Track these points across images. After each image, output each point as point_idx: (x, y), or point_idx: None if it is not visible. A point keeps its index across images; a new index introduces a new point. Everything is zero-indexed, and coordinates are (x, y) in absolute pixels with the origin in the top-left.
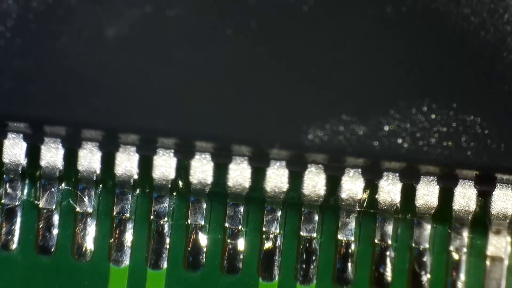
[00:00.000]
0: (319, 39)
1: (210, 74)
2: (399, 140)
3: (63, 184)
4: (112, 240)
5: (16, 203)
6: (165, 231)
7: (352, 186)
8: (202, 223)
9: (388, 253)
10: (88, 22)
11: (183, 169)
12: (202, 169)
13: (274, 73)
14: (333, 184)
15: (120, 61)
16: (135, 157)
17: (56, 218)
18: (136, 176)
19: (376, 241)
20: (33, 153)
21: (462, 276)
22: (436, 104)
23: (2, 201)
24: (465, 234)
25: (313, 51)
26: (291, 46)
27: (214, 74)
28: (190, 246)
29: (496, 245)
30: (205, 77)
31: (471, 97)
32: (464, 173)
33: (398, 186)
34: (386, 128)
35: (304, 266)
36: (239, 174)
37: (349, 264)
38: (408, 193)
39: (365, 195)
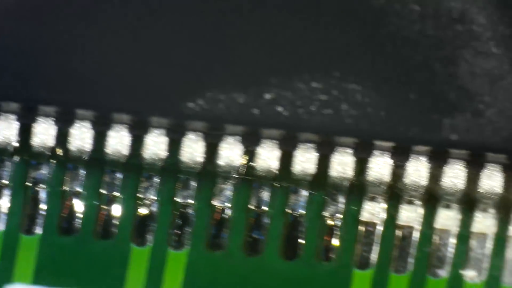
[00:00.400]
0: (197, 8)
1: (91, 44)
2: (279, 108)
3: None
4: None
5: None
6: (40, 197)
7: (230, 153)
8: (79, 189)
9: (263, 219)
10: None
11: (62, 137)
12: (81, 137)
13: (153, 41)
14: (212, 151)
15: None
16: (15, 125)
17: None
18: (15, 144)
19: (251, 207)
20: None
21: (336, 241)
22: (317, 72)
23: None
24: (341, 200)
25: (193, 21)
26: (170, 13)
27: (95, 43)
28: (65, 212)
29: (371, 211)
30: (85, 47)
31: (352, 66)
32: (342, 141)
33: (276, 153)
34: (266, 96)
35: (177, 232)
36: (119, 141)
37: (223, 230)
38: (286, 160)
39: (243, 162)
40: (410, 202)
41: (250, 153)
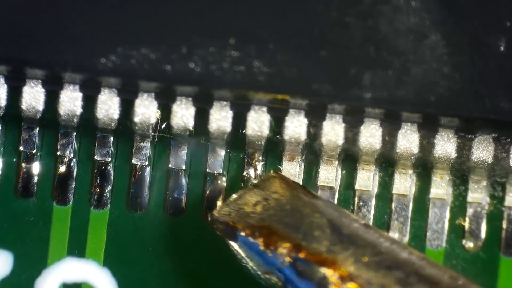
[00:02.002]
0: None
1: None
2: (191, 65)
3: None
4: None
5: None
6: None
7: (146, 110)
8: None
9: (181, 177)
10: None
11: None
12: None
13: None
14: (127, 108)
15: None
16: None
17: None
18: None
19: (170, 166)
20: None
21: None
22: (230, 29)
23: None
24: (259, 159)
25: None
26: None
27: None
28: None
29: (290, 171)
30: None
31: (265, 24)
32: (257, 98)
33: (192, 110)
34: (179, 52)
35: (98, 190)
36: (33, 97)
37: (143, 189)
38: (202, 118)
39: (159, 120)
40: (329, 163)
41: (166, 110)
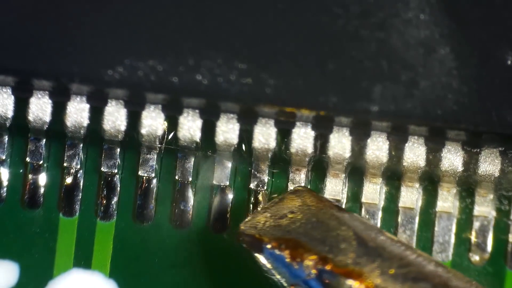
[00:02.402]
0: None
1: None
2: (198, 77)
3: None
4: None
5: None
6: None
7: (153, 122)
8: (3, 157)
9: (188, 189)
10: None
11: None
12: (2, 103)
13: (76, 8)
14: (134, 119)
15: None
16: None
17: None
18: None
19: (176, 177)
20: None
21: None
22: (237, 41)
23: None
24: (266, 171)
25: None
26: None
27: (14, 8)
28: None
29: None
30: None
31: (272, 36)
32: (264, 111)
33: (198, 122)
34: (186, 64)
35: (104, 202)
36: (40, 108)
37: (150, 201)
38: (209, 130)
39: (166, 131)
40: (336, 176)
41: (172, 122)
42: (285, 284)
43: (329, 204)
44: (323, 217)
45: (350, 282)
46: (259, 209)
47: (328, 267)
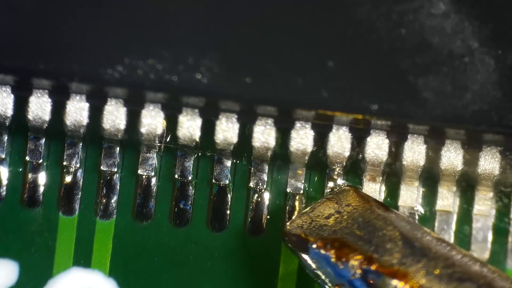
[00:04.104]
0: None
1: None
2: (198, 75)
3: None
4: None
5: None
6: None
7: (152, 121)
8: (3, 156)
9: (188, 188)
10: None
11: None
12: (1, 102)
13: (76, 7)
14: (133, 118)
15: None
16: None
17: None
18: None
19: (176, 176)
20: None
21: (264, 211)
22: (237, 41)
23: None
24: (265, 170)
25: None
26: None
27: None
28: None
29: (297, 184)
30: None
31: (271, 36)
32: (263, 110)
33: (198, 121)
34: (185, 63)
35: (104, 201)
36: (39, 107)
37: (149, 200)
38: (208, 129)
39: (165, 130)
40: (337, 175)
41: (172, 121)
42: (330, 284)
43: (376, 204)
44: (370, 217)
45: (395, 282)
46: (306, 208)
47: (373, 267)
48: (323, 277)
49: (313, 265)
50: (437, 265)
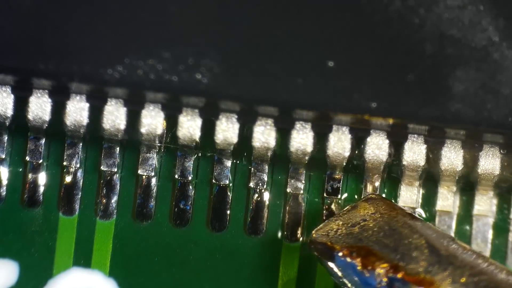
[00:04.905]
0: None
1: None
2: (198, 75)
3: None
4: None
5: None
6: None
7: (152, 121)
8: (3, 156)
9: (188, 188)
10: None
11: None
12: (1, 102)
13: (76, 7)
14: (134, 118)
15: None
16: None
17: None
18: None
19: (176, 176)
20: None
21: (264, 212)
22: (238, 41)
23: None
24: (266, 170)
25: None
26: None
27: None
28: None
29: (294, 183)
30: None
31: (272, 36)
32: (263, 110)
33: (198, 121)
34: (185, 63)
35: (104, 201)
36: (39, 107)
37: (150, 200)
38: (208, 129)
39: (165, 130)
40: (335, 174)
41: (172, 121)
42: None
43: (402, 212)
44: (396, 225)
45: None
46: (332, 217)
47: (399, 275)
48: (349, 285)
49: (339, 273)
50: (463, 273)
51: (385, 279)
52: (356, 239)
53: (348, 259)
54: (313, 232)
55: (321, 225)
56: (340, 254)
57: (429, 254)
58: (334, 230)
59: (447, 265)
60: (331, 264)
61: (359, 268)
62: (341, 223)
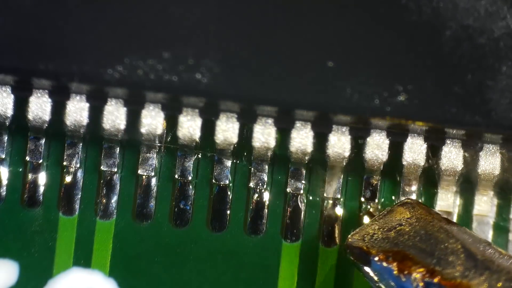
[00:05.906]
0: None
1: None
2: (198, 76)
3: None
4: None
5: None
6: None
7: (152, 121)
8: (3, 156)
9: (188, 188)
10: None
11: None
12: (1, 102)
13: (76, 7)
14: (134, 118)
15: None
16: None
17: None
18: None
19: (176, 176)
20: None
21: (264, 212)
22: (238, 41)
23: None
24: (266, 170)
25: None
26: None
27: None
28: None
29: (294, 184)
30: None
31: (271, 37)
32: (263, 110)
33: (198, 121)
34: (185, 63)
35: (104, 201)
36: (39, 107)
37: (150, 200)
38: (208, 129)
39: (166, 130)
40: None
41: (172, 121)
42: None
43: (438, 216)
44: (432, 230)
45: None
46: (368, 221)
47: (435, 280)
48: None
49: (375, 278)
50: (499, 278)
51: (421, 284)
52: (392, 244)
53: (384, 264)
54: (349, 237)
55: (357, 230)
56: (376, 258)
57: (465, 258)
58: (370, 234)
59: (483, 270)
60: (367, 269)
61: (395, 272)
62: (377, 227)
